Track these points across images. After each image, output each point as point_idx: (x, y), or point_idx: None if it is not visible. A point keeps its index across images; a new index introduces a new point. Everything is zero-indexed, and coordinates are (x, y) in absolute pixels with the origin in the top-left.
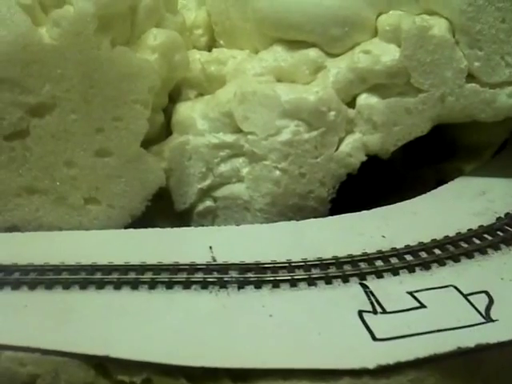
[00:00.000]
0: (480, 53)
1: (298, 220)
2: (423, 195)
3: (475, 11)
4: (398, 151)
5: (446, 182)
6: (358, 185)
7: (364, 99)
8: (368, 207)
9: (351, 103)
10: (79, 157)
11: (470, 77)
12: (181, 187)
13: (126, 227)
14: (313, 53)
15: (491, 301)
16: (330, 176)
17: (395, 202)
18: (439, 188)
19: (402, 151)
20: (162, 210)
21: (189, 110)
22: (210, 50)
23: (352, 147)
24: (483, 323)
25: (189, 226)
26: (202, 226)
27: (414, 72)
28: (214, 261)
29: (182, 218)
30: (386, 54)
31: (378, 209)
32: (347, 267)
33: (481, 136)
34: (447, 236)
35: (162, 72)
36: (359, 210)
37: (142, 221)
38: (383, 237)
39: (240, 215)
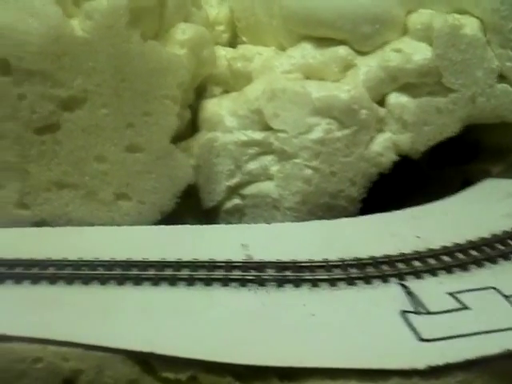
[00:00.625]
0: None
1: (327, 219)
2: (453, 196)
3: (508, 10)
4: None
5: (472, 183)
6: (382, 184)
7: (394, 98)
8: (394, 207)
9: (381, 102)
10: (110, 152)
11: (502, 77)
12: (209, 184)
13: (155, 224)
14: (342, 50)
15: None
16: (361, 175)
17: (421, 202)
18: (468, 189)
19: (428, 151)
20: (189, 207)
21: (216, 107)
22: (231, 47)
23: (383, 146)
24: None
25: (215, 223)
26: (230, 223)
27: (446, 71)
28: (250, 258)
29: (209, 216)
30: (418, 52)
31: (409, 209)
32: (385, 267)
33: (507, 138)
34: (482, 237)
35: (190, 67)
36: (385, 210)
37: (169, 218)
38: (418, 237)
39: (269, 213)
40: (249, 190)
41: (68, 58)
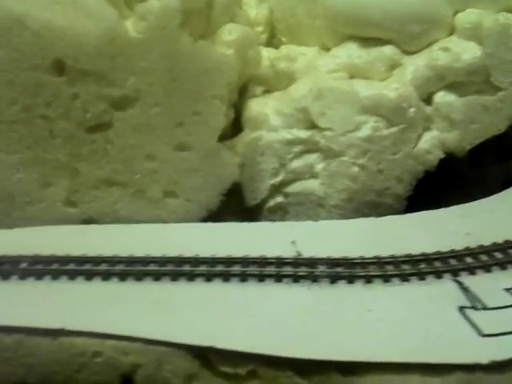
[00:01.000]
0: None
1: (372, 217)
2: (499, 193)
3: None
4: None
5: None
6: (424, 182)
7: (442, 97)
8: (437, 205)
9: (427, 100)
10: (159, 150)
11: None
12: (252, 183)
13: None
14: (389, 50)
15: None
16: (408, 173)
17: (462, 200)
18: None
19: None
20: (231, 205)
21: (261, 106)
22: (268, 47)
23: (430, 144)
24: None
25: (258, 221)
26: (272, 221)
27: (495, 70)
28: (300, 255)
29: (251, 214)
30: (467, 51)
31: (456, 206)
32: (438, 264)
33: None
34: None
35: (237, 68)
36: (428, 208)
37: (210, 216)
38: (468, 234)
39: (313, 211)
40: (293, 188)
41: (122, 59)
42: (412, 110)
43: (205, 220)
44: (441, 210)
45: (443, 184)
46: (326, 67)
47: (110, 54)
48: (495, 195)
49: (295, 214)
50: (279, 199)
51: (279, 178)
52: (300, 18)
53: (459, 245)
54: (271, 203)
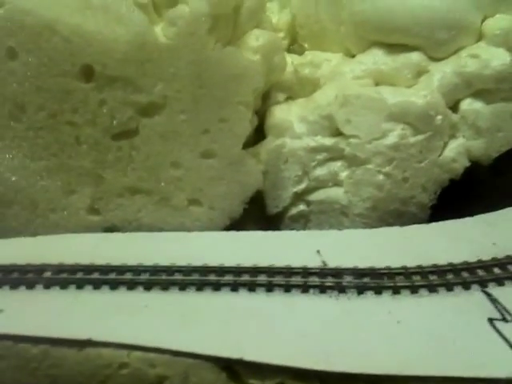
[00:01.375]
0: None
1: (397, 225)
2: None
3: None
4: None
5: None
6: (448, 191)
7: (468, 104)
8: (461, 213)
9: (454, 107)
10: (185, 158)
11: None
12: (275, 190)
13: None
14: (416, 56)
15: None
16: (433, 181)
17: (487, 209)
18: None
19: None
20: (251, 213)
21: (285, 113)
22: (290, 53)
23: (456, 152)
24: None
25: (278, 229)
26: (293, 230)
27: None
28: (325, 265)
29: (272, 222)
30: (496, 58)
31: (481, 215)
32: (465, 274)
33: None
34: None
35: (263, 73)
36: (453, 216)
37: (233, 224)
38: (494, 244)
39: (336, 220)
40: (315, 196)
41: (150, 65)
42: (439, 117)
43: (227, 228)
44: (466, 219)
45: (466, 192)
46: (352, 73)
47: (139, 59)
48: None
49: (317, 222)
50: (301, 207)
51: (302, 186)
52: (324, 24)
53: (486, 255)
54: (293, 211)
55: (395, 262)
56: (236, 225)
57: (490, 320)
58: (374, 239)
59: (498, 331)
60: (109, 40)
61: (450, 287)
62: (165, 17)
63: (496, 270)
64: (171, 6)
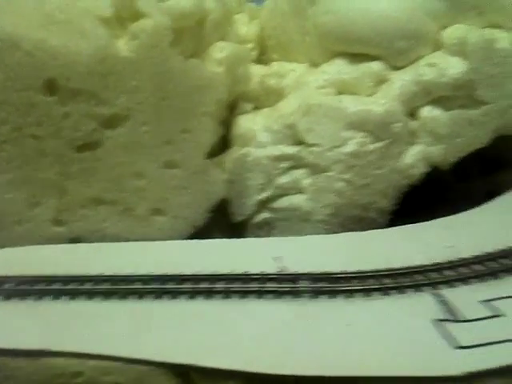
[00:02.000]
0: None
1: (357, 231)
2: (480, 207)
3: None
4: None
5: (497, 194)
6: (409, 196)
7: (427, 111)
8: (420, 218)
9: (413, 115)
10: (148, 168)
11: None
12: (239, 199)
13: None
14: (376, 65)
15: None
16: (393, 187)
17: (447, 214)
18: (497, 199)
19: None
20: (217, 221)
21: (250, 123)
22: (258, 64)
23: (415, 159)
24: None
25: (243, 237)
26: (258, 237)
27: (480, 84)
28: (283, 271)
29: (236, 230)
30: (452, 66)
31: (439, 220)
32: (418, 277)
33: None
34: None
35: (227, 85)
36: (413, 221)
37: (196, 233)
38: (448, 247)
39: (298, 226)
40: (279, 204)
41: (113, 77)
42: (397, 125)
43: (192, 237)
44: (424, 223)
45: (428, 197)
46: (316, 83)
47: (102, 72)
48: (478, 208)
49: (281, 229)
50: (266, 215)
51: (266, 194)
52: (290, 35)
53: (440, 258)
54: (258, 219)
55: (351, 267)
56: (201, 233)
57: (438, 321)
58: (333, 244)
59: (445, 331)
60: (72, 54)
61: (402, 290)
62: (128, 30)
63: (448, 273)
64: (135, 20)
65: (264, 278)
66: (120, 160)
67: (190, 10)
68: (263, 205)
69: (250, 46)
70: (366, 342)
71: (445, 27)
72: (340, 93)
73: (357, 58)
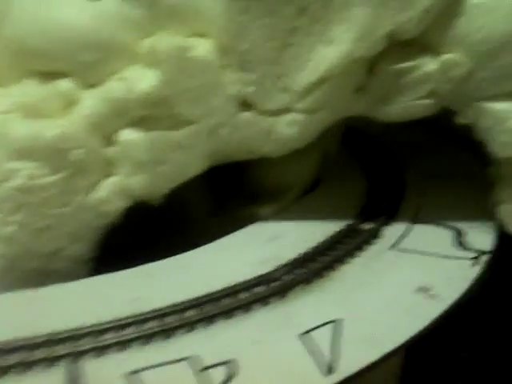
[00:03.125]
0: (253, 76)
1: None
2: (206, 245)
3: (238, 28)
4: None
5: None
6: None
7: (125, 135)
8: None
9: (110, 140)
10: None
11: (245, 104)
12: None
13: None
14: (65, 84)
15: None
16: (85, 228)
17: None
18: (228, 236)
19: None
20: None
21: None
22: None
23: (109, 192)
24: None
25: None
26: None
27: (177, 100)
28: None
29: None
30: (143, 80)
31: (143, 266)
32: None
33: (280, 177)
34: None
35: None
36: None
37: None
38: (136, 299)
39: None
40: None
41: None
42: (78, 152)
43: None
44: (124, 271)
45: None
46: None
47: None
48: (200, 248)
49: None
50: None
51: None
52: None
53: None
54: None
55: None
56: None
57: None
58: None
59: None
60: None
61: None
62: None
63: (102, 338)
64: None
65: None
66: None
67: None
68: None
69: None
70: None
71: (146, 38)
72: (27, 117)
73: (48, 76)
